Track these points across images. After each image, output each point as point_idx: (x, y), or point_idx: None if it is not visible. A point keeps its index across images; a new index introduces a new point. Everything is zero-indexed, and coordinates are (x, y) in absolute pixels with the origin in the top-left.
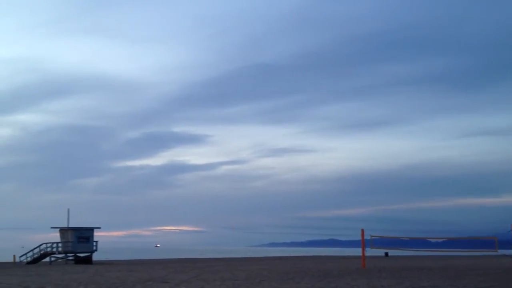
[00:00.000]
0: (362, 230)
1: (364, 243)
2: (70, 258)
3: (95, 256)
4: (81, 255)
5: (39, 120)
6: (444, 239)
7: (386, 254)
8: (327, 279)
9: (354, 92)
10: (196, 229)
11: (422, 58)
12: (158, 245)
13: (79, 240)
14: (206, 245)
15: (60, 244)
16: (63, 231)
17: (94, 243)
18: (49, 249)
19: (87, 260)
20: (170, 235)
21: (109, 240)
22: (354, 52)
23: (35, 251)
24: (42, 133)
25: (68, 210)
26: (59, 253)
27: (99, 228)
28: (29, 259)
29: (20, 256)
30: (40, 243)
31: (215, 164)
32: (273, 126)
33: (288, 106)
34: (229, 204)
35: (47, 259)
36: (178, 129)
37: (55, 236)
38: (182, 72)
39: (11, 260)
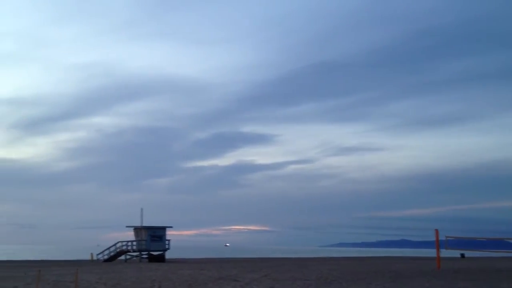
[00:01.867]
0: (436, 231)
1: (438, 244)
2: (144, 256)
3: (168, 255)
4: (155, 253)
5: (113, 123)
6: None
7: (462, 255)
8: (399, 280)
9: (424, 88)
10: (264, 228)
11: (496, 52)
12: (228, 244)
13: (152, 238)
14: (275, 245)
15: (134, 243)
16: (137, 230)
17: (167, 242)
18: (124, 247)
19: (160, 258)
20: (239, 235)
21: (180, 239)
22: (423, 47)
23: (111, 249)
24: (116, 135)
25: (142, 209)
26: (134, 251)
27: (171, 227)
28: (105, 257)
29: (97, 254)
30: (116, 242)
31: (282, 163)
32: (341, 124)
33: (356, 103)
34: (297, 203)
35: (123, 257)
36: (245, 129)
37: (129, 235)
38: (249, 72)
39: (89, 257)
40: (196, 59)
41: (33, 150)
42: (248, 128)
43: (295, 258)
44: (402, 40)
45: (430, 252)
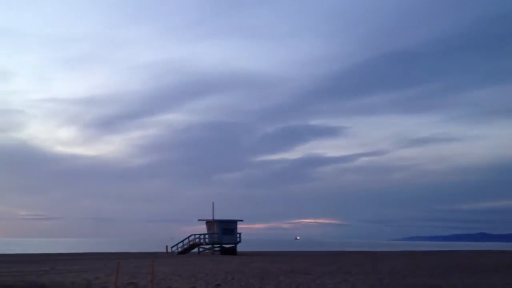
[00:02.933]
0: None
1: None
2: (217, 249)
3: (239, 248)
4: (226, 246)
5: (183, 119)
6: None
7: None
8: (479, 274)
9: (501, 75)
10: (335, 222)
11: None
12: (298, 238)
13: (224, 232)
14: (346, 238)
15: (206, 236)
16: (209, 223)
17: (238, 235)
18: (197, 240)
19: (232, 251)
20: (309, 228)
21: (251, 232)
22: (499, 33)
23: (185, 242)
24: (186, 131)
25: (213, 203)
26: (206, 244)
27: (241, 220)
28: (179, 249)
29: (172, 247)
30: (189, 235)
31: (352, 156)
32: (413, 114)
33: (428, 93)
34: (368, 196)
35: (196, 249)
36: (314, 122)
37: (202, 228)
38: (317, 64)
39: (164, 250)
40: (265, 53)
41: (108, 147)
42: (317, 121)
43: (367, 252)
44: (477, 26)
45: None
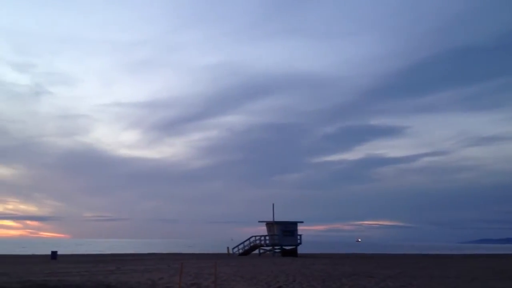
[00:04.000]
0: None
1: None
2: (277, 250)
3: (299, 249)
4: (287, 247)
5: (242, 121)
6: None
7: None
8: None
9: None
10: (398, 223)
11: None
12: (359, 240)
13: (284, 233)
14: (410, 241)
15: (267, 237)
16: (269, 224)
17: (299, 237)
18: (257, 241)
19: (293, 253)
20: (370, 230)
21: (311, 234)
22: None
23: (246, 243)
24: (245, 132)
25: (273, 204)
26: (267, 245)
27: (302, 222)
28: (240, 251)
29: (233, 248)
30: (249, 236)
31: (415, 156)
32: (478, 112)
33: (494, 89)
34: (432, 197)
35: (256, 251)
36: (374, 121)
37: (261, 230)
38: (376, 63)
39: (225, 251)
40: (323, 53)
41: (170, 150)
42: (377, 121)
43: (432, 255)
44: None
45: None
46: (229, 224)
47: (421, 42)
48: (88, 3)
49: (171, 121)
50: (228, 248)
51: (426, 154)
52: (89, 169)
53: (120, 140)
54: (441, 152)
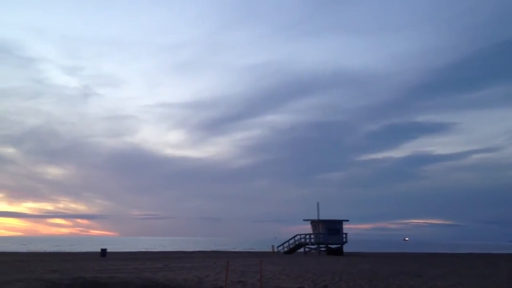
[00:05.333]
0: None
1: None
2: (322, 249)
3: (345, 248)
4: (332, 246)
5: (285, 119)
6: None
7: None
8: None
9: None
10: (446, 222)
11: None
12: (407, 239)
13: (329, 232)
14: (459, 240)
15: (312, 236)
16: (314, 223)
17: (344, 235)
18: (302, 240)
19: (338, 252)
20: (418, 229)
21: (356, 233)
22: None
23: (290, 242)
24: (289, 131)
25: (318, 203)
26: (312, 244)
27: (347, 220)
28: (285, 249)
29: (278, 246)
30: (294, 235)
31: (464, 153)
32: None
33: None
34: (482, 195)
35: (301, 249)
36: (420, 118)
37: (306, 228)
38: (421, 59)
39: (269, 249)
40: (367, 49)
41: (214, 149)
42: (424, 117)
43: (482, 254)
44: None
45: None
46: (273, 222)
47: (470, 36)
48: (133, 7)
49: (214, 120)
50: (273, 246)
51: (476, 151)
52: (136, 168)
53: (166, 140)
54: (492, 149)
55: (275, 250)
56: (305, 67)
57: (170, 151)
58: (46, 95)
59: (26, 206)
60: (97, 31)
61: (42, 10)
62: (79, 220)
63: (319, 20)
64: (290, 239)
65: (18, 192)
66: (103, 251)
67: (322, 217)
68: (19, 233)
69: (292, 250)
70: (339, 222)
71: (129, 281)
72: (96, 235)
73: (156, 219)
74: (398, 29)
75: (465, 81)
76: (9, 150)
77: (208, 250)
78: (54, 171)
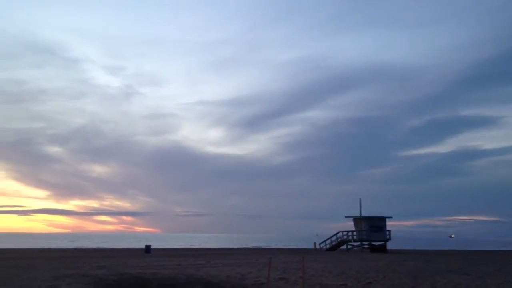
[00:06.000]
0: None
1: None
2: (365, 246)
3: (388, 245)
4: (376, 243)
5: (325, 115)
6: None
7: None
8: None
9: None
10: (494, 219)
11: None
12: (452, 236)
13: (372, 229)
14: (508, 237)
15: (354, 233)
16: (356, 220)
17: (387, 232)
18: (345, 237)
19: (382, 249)
20: (464, 225)
21: (400, 230)
22: None
23: (332, 239)
24: (329, 127)
25: (360, 200)
26: (355, 241)
27: (390, 217)
28: (327, 246)
29: (320, 243)
30: (336, 232)
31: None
32: None
33: None
34: None
35: (344, 246)
36: (466, 112)
37: (347, 225)
38: (466, 51)
39: (311, 246)
40: (408, 43)
41: (254, 146)
42: (469, 111)
43: None
44: None
45: None
46: (314, 219)
47: None
48: (173, 6)
49: (254, 117)
50: (315, 243)
51: None
52: (177, 166)
53: (206, 137)
54: None
55: (317, 247)
56: (345, 62)
57: (210, 149)
58: (90, 95)
59: (73, 204)
60: (138, 31)
61: (85, 11)
62: (123, 217)
63: (358, 13)
64: (332, 236)
65: (65, 190)
66: (148, 248)
67: (364, 214)
68: (67, 230)
69: (334, 247)
70: (383, 219)
71: (172, 276)
72: (140, 232)
73: (197, 216)
74: (441, 21)
75: None
76: (56, 149)
77: (249, 247)
78: (98, 169)
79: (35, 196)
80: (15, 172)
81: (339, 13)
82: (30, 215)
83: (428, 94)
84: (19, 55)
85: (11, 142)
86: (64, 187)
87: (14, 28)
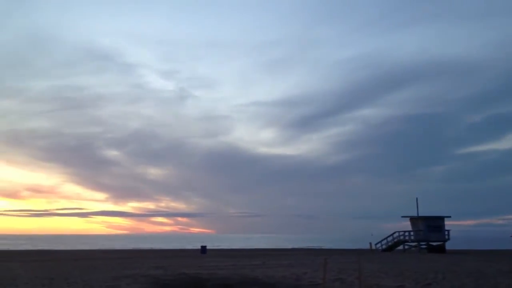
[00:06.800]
0: None
1: None
2: (423, 246)
3: (448, 245)
4: (434, 243)
5: (378, 113)
6: None
7: None
8: None
9: None
10: None
11: None
12: None
13: (430, 229)
14: None
15: (411, 233)
16: (413, 220)
17: (446, 232)
18: (401, 237)
19: (440, 249)
20: None
21: (459, 229)
22: None
23: (389, 239)
24: (383, 125)
25: (417, 199)
26: (412, 241)
27: (449, 217)
28: (384, 246)
29: (376, 244)
30: (392, 232)
31: None
32: None
33: None
34: None
35: (400, 247)
36: None
37: (404, 225)
38: None
39: (367, 247)
40: (466, 36)
41: (307, 146)
42: None
43: None
44: None
45: None
46: (368, 219)
47: None
48: (225, 8)
49: (306, 117)
50: (370, 243)
51: None
52: (231, 167)
53: (259, 138)
54: None
55: (373, 247)
56: (398, 59)
57: (263, 149)
58: (145, 99)
59: (130, 206)
60: (191, 34)
61: (139, 16)
62: (179, 218)
63: (411, 8)
64: (389, 236)
65: (122, 193)
66: (203, 248)
67: (421, 214)
68: (125, 231)
69: (391, 248)
70: (441, 219)
71: (228, 277)
72: (195, 233)
73: (251, 217)
74: (502, 12)
75: None
76: (114, 153)
77: (303, 247)
78: (155, 172)
79: (94, 199)
80: (75, 176)
81: (393, 8)
82: (89, 217)
83: (488, 88)
84: (78, 63)
85: (71, 146)
86: (122, 190)
87: (72, 37)
